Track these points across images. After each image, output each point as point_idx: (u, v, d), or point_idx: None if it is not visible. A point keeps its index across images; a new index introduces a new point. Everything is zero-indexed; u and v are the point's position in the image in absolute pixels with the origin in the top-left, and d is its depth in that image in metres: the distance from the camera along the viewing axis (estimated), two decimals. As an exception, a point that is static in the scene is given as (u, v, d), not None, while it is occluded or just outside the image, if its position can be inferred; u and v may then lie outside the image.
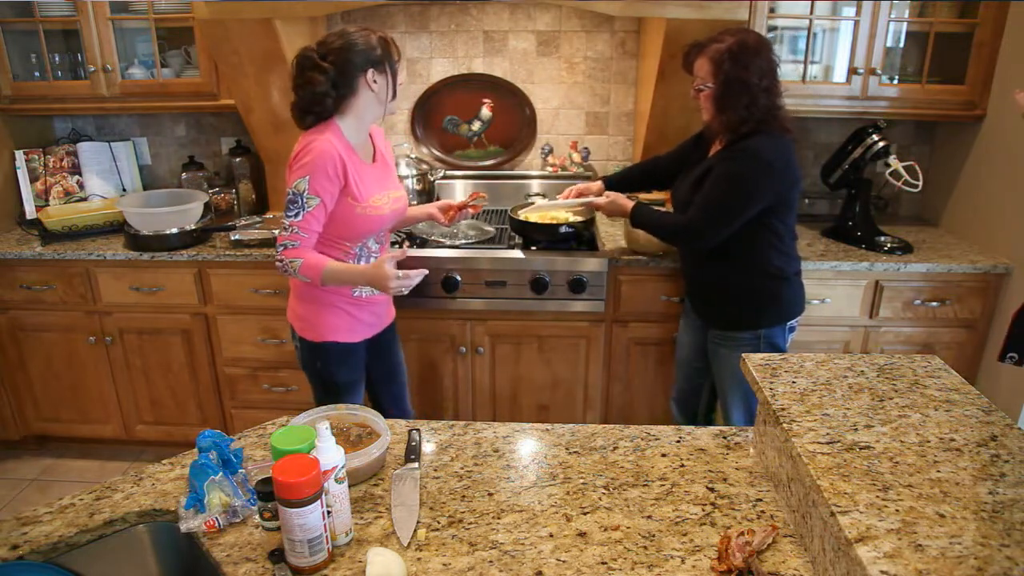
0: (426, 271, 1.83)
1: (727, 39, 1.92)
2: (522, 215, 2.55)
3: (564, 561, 1.13)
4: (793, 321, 2.14)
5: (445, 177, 3.05)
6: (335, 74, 1.79)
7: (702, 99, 1.99)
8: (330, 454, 1.13)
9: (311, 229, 1.83)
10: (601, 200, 2.23)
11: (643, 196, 2.74)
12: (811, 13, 2.69)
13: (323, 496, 1.10)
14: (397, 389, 2.31)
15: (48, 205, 2.99)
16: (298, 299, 2.02)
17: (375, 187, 1.92)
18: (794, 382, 1.31)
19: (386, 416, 1.46)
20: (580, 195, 2.36)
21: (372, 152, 1.99)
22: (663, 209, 2.25)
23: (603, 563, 1.12)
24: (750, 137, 1.95)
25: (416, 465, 1.37)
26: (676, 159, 2.29)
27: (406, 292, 1.81)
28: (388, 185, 1.99)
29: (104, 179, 3.11)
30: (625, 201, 2.20)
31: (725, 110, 1.94)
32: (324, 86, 1.79)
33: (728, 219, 1.96)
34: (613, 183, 2.40)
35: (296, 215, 1.81)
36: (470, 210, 2.18)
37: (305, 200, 1.80)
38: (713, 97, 1.95)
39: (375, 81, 1.83)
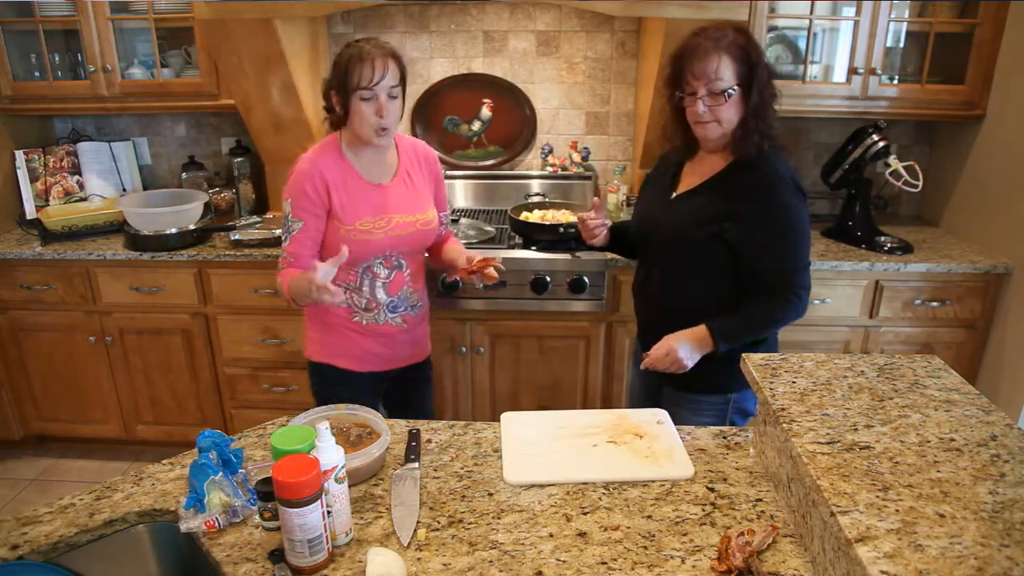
0: (331, 286, 1.55)
1: (728, 32, 1.62)
2: None
3: (564, 561, 1.13)
4: None
5: (445, 177, 3.04)
6: (326, 84, 1.76)
7: (723, 110, 1.61)
8: (330, 454, 1.13)
9: (298, 253, 1.77)
10: (667, 348, 1.68)
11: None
12: (811, 13, 2.69)
13: (323, 496, 1.10)
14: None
15: (48, 205, 2.98)
16: (307, 317, 1.96)
17: (370, 209, 1.77)
18: (794, 382, 1.31)
19: None
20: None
21: (394, 171, 1.85)
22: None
23: (603, 563, 1.12)
24: (762, 158, 1.65)
25: (416, 465, 1.37)
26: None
27: (330, 299, 1.56)
28: (395, 208, 1.81)
29: (104, 179, 3.11)
30: (699, 338, 1.66)
31: (761, 114, 1.62)
32: (326, 90, 1.77)
33: (808, 259, 1.70)
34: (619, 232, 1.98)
35: (286, 239, 1.79)
36: (484, 277, 1.86)
37: (290, 224, 1.77)
38: (748, 102, 1.61)
39: (337, 104, 1.73)
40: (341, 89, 1.69)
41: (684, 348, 1.66)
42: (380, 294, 1.86)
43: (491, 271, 1.84)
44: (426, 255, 2.02)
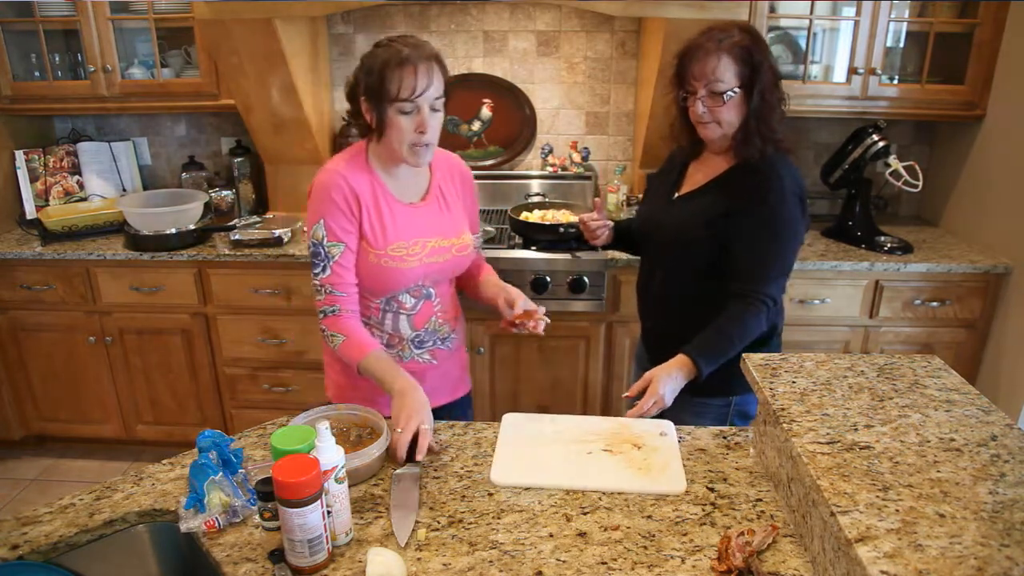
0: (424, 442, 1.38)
1: (734, 32, 1.59)
2: None
3: (564, 561, 1.13)
4: None
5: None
6: (352, 86, 1.53)
7: (722, 111, 1.60)
8: (330, 454, 1.13)
9: (346, 282, 1.54)
10: (655, 397, 1.57)
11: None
12: (811, 13, 2.69)
13: (323, 496, 1.10)
14: None
15: (48, 205, 2.98)
16: (329, 358, 1.72)
17: (403, 232, 1.57)
18: (794, 382, 1.31)
19: None
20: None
21: (425, 188, 1.63)
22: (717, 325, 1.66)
23: (603, 563, 1.12)
24: (766, 162, 1.63)
25: (416, 465, 1.37)
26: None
27: (402, 435, 1.38)
28: (429, 231, 1.60)
29: (104, 179, 3.11)
30: (679, 368, 1.60)
31: (763, 117, 1.60)
32: (352, 94, 1.53)
33: (788, 271, 1.68)
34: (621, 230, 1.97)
35: (323, 269, 1.53)
36: (531, 326, 1.59)
37: (327, 249, 1.52)
38: (749, 104, 1.59)
39: (367, 112, 1.49)
40: (374, 97, 1.44)
41: (668, 388, 1.58)
42: (404, 328, 1.64)
43: (537, 325, 1.59)
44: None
